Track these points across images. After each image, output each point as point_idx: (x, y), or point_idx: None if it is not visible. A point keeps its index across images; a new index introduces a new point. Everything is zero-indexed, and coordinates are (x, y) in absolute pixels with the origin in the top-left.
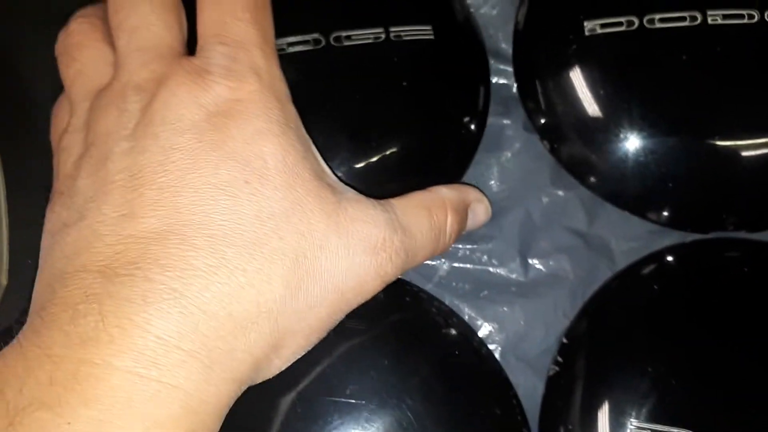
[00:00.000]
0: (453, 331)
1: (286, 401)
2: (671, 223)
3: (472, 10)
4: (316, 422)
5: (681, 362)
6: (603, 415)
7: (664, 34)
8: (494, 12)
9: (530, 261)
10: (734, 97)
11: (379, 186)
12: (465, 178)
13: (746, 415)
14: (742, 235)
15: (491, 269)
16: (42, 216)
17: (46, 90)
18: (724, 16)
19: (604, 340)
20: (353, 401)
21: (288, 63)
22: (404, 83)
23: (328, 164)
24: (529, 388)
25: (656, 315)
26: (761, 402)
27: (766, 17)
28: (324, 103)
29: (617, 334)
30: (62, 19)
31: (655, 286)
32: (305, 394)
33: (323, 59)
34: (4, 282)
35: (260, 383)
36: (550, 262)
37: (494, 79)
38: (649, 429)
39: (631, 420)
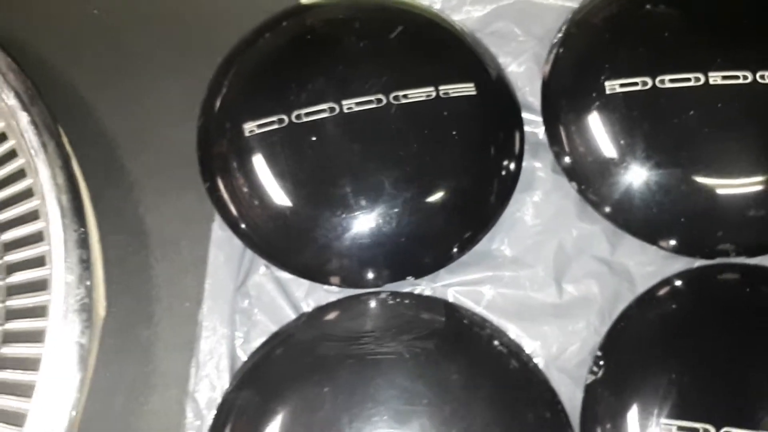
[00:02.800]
0: (505, 348)
1: (361, 400)
2: (681, 251)
3: (502, 67)
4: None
5: (695, 367)
6: (634, 415)
7: (673, 92)
8: (521, 69)
9: (564, 286)
10: (732, 144)
11: (430, 218)
12: (503, 215)
13: (754, 408)
14: (742, 260)
15: (531, 293)
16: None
17: (134, 137)
18: (723, 77)
19: (631, 352)
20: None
21: (358, 117)
22: (453, 132)
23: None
24: (569, 394)
25: (672, 329)
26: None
27: (757, 78)
28: (386, 149)
29: (641, 347)
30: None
31: (670, 306)
32: (380, 400)
33: (385, 114)
34: (103, 313)
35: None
36: (581, 286)
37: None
38: (674, 425)
39: (660, 418)
